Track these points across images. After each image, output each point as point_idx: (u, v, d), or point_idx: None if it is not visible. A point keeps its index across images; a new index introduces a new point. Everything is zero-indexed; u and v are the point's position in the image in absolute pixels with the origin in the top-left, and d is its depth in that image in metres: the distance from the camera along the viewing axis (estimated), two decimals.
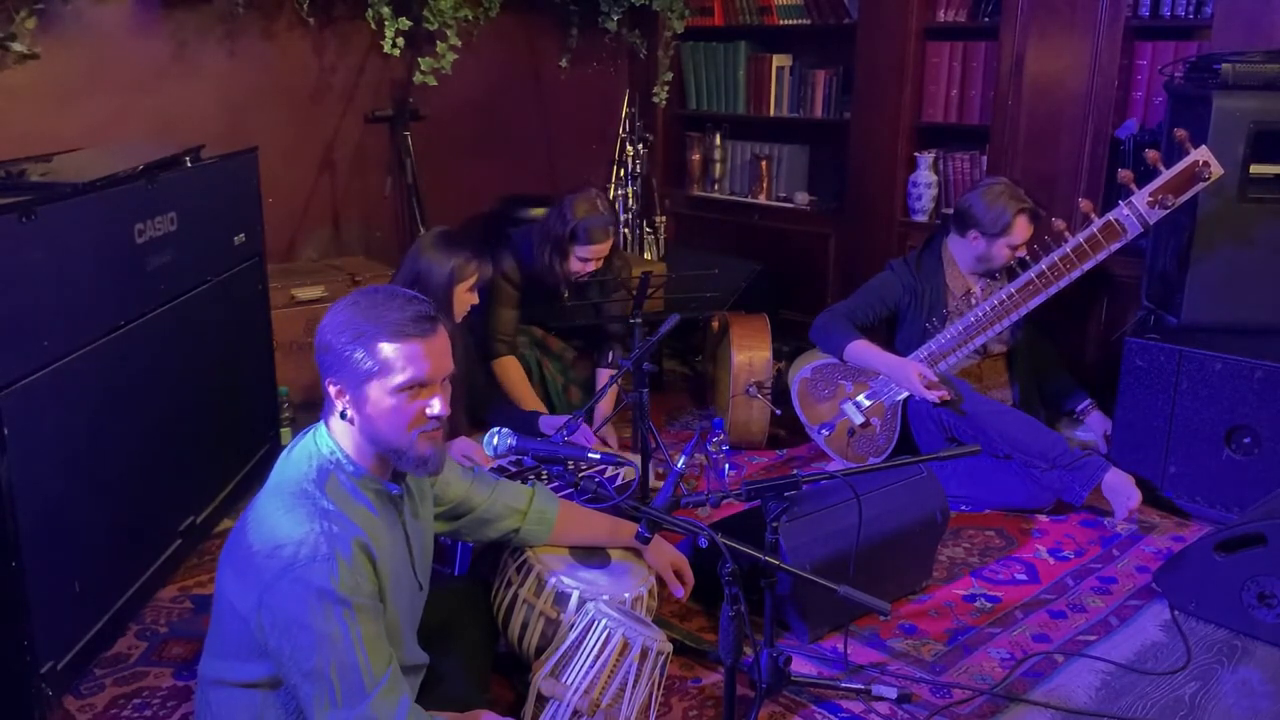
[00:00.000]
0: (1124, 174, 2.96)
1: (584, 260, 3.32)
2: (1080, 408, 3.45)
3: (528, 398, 3.33)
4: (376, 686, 1.58)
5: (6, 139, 2.99)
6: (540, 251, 3.34)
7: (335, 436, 1.72)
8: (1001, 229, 3.16)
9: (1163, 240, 3.19)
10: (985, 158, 3.89)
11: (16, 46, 3.05)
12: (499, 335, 3.38)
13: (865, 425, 3.31)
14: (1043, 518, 3.09)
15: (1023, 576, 2.77)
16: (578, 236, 3.27)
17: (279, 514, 1.63)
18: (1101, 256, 2.97)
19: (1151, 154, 2.89)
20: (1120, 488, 2.95)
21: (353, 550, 1.60)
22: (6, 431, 1.97)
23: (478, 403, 3.15)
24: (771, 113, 4.61)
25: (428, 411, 1.69)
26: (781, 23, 4.51)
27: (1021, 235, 3.17)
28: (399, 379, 1.65)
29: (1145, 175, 2.91)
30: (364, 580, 1.61)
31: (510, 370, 3.38)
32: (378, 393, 1.66)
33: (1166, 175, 2.86)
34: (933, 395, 3.08)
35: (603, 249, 3.32)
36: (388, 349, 1.64)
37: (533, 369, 3.43)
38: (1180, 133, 2.83)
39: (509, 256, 3.39)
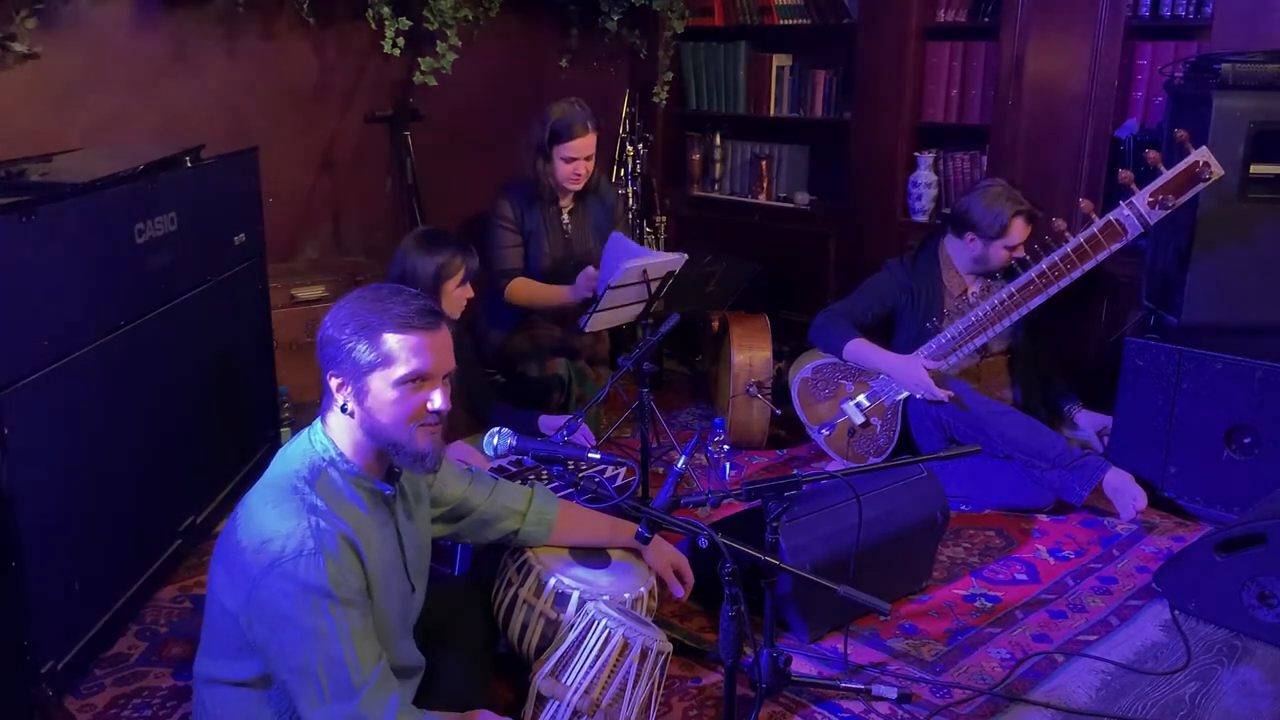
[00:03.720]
0: (1124, 174, 2.97)
1: (569, 160, 3.36)
2: (1067, 408, 3.42)
3: (553, 293, 3.37)
4: (365, 684, 1.58)
5: (6, 139, 2.98)
6: (528, 165, 3.41)
7: (331, 433, 1.72)
8: (999, 231, 3.17)
9: (1163, 240, 3.19)
10: (985, 158, 3.88)
11: (16, 46, 3.05)
12: (504, 269, 3.43)
13: (865, 425, 3.31)
14: (1043, 518, 3.09)
15: (1023, 576, 2.77)
16: (558, 135, 3.33)
17: (266, 509, 1.63)
18: (1102, 257, 2.97)
19: (1152, 154, 2.89)
20: (1122, 488, 2.95)
21: (339, 545, 1.60)
22: (6, 431, 1.97)
23: (478, 403, 3.15)
24: (771, 113, 4.61)
25: (429, 405, 1.70)
26: (781, 23, 4.51)
27: (1019, 237, 3.18)
28: (402, 370, 1.66)
29: (1145, 175, 2.91)
30: (351, 575, 1.61)
31: (523, 287, 3.42)
32: (380, 384, 1.66)
33: (1167, 176, 2.86)
34: (941, 394, 3.08)
35: (585, 144, 3.36)
36: (392, 340, 1.66)
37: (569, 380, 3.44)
38: (1181, 133, 2.83)
39: (503, 200, 3.47)
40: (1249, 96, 2.85)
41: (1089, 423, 3.35)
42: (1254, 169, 2.90)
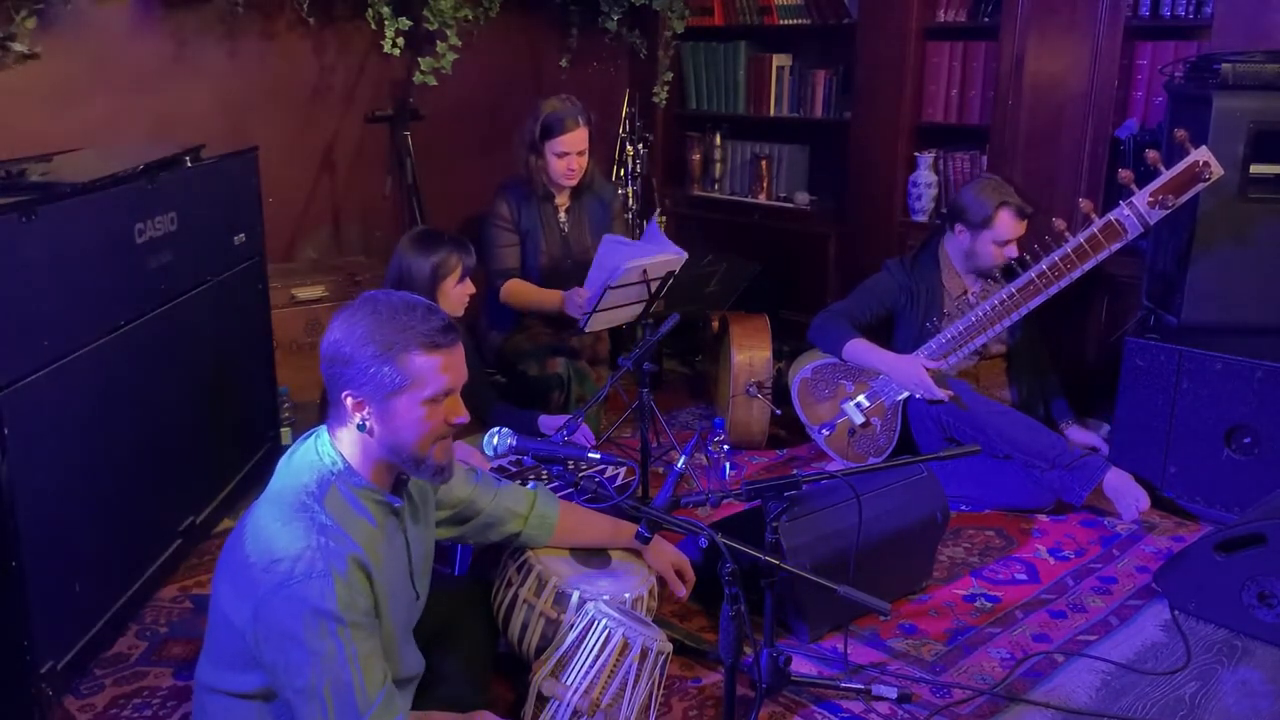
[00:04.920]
0: (1124, 174, 2.96)
1: (561, 155, 3.37)
2: (1061, 424, 3.38)
3: (546, 297, 3.37)
4: (370, 707, 1.57)
5: (6, 139, 2.99)
6: (521, 161, 3.42)
7: (339, 446, 1.70)
8: (983, 221, 3.16)
9: (1163, 240, 3.19)
10: (985, 158, 3.88)
11: (16, 46, 3.05)
12: (500, 269, 3.44)
13: (865, 425, 3.31)
14: (1043, 518, 3.09)
15: (1023, 576, 2.77)
16: (549, 130, 3.34)
17: (276, 525, 1.61)
18: (1102, 256, 2.97)
19: (1152, 154, 2.88)
20: (1123, 488, 2.95)
21: (349, 567, 1.59)
22: (6, 431, 1.97)
23: (478, 403, 3.15)
24: (771, 113, 4.61)
25: (453, 421, 1.70)
26: (781, 23, 4.51)
27: (1005, 230, 3.16)
28: (429, 390, 1.65)
29: (1146, 175, 2.91)
30: (360, 597, 1.60)
31: (516, 289, 3.43)
32: (406, 404, 1.65)
33: (1167, 175, 2.86)
34: (941, 394, 3.08)
35: (576, 138, 3.36)
36: (420, 360, 1.63)
37: (568, 380, 3.44)
38: (1180, 133, 2.83)
39: (500, 199, 3.47)
40: (1249, 96, 2.85)
41: (1080, 439, 3.32)
42: (1254, 169, 2.90)
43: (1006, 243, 3.18)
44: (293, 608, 1.54)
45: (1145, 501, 2.93)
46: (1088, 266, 2.99)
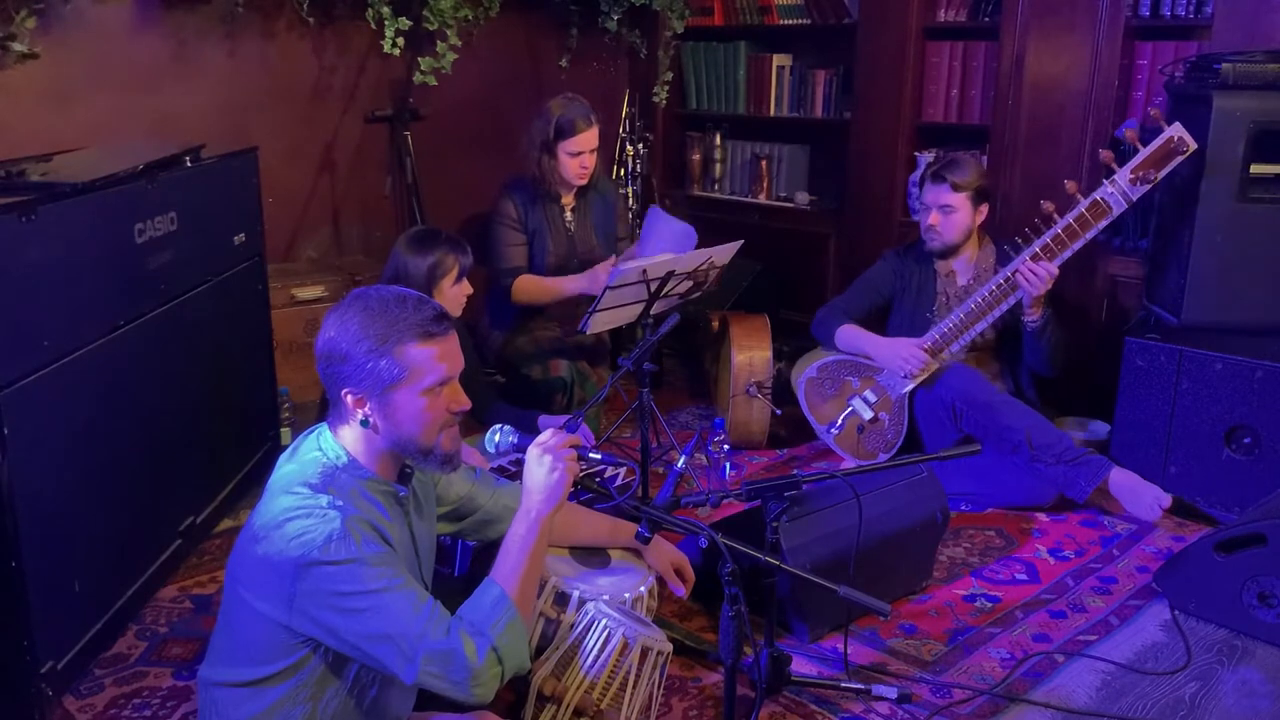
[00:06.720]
0: (1105, 154, 3.02)
1: (574, 155, 3.40)
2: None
3: (557, 285, 3.40)
4: (432, 617, 1.59)
5: (6, 139, 2.99)
6: (532, 163, 3.44)
7: (342, 441, 1.71)
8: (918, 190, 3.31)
9: (1163, 240, 3.20)
10: (985, 158, 3.88)
11: (16, 46, 3.05)
12: (510, 268, 3.45)
13: (874, 420, 3.31)
14: (1043, 517, 3.09)
15: (1023, 576, 2.77)
16: (563, 130, 3.37)
17: (286, 513, 1.61)
18: (1090, 235, 2.99)
19: (1129, 132, 2.94)
20: (1136, 488, 2.96)
21: (361, 525, 1.61)
22: (6, 431, 1.97)
23: (478, 403, 3.15)
24: (771, 113, 4.61)
25: (455, 408, 1.70)
26: (781, 23, 4.51)
27: (927, 195, 3.25)
28: (428, 380, 1.65)
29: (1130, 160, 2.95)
30: (378, 544, 1.62)
31: (527, 283, 3.45)
32: (406, 396, 1.65)
33: (1145, 152, 2.90)
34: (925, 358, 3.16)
35: (589, 138, 3.40)
36: (415, 352, 1.64)
37: (571, 382, 3.44)
38: (1154, 111, 2.91)
39: (506, 199, 3.48)
40: (1249, 96, 2.85)
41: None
42: (1254, 169, 2.89)
43: (930, 211, 3.24)
44: (326, 570, 1.56)
45: (1166, 498, 2.93)
46: (1077, 246, 3.01)
